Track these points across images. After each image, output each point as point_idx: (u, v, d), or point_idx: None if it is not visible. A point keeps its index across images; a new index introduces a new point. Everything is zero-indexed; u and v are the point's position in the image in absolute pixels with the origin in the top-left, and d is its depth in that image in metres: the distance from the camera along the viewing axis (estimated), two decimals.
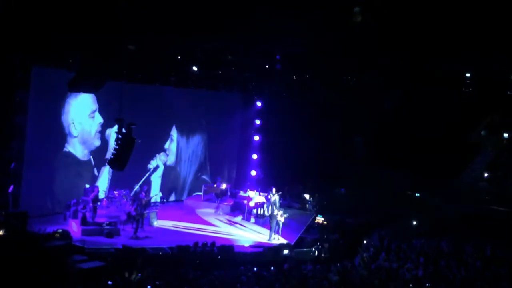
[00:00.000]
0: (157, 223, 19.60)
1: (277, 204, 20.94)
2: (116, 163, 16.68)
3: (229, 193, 23.71)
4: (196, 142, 25.05)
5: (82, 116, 20.23)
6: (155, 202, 20.80)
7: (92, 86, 17.33)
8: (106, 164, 19.77)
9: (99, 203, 18.87)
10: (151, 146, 22.60)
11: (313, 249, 18.91)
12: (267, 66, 22.40)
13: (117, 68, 17.78)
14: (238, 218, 21.59)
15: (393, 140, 24.20)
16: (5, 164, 17.22)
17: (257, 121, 26.65)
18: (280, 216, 18.94)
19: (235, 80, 23.23)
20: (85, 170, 20.73)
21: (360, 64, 21.14)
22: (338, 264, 16.82)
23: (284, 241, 18.69)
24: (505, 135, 24.39)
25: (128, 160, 16.52)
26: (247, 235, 19.50)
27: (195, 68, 20.22)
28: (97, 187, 19.81)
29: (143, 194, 19.60)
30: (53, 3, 13.97)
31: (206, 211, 22.36)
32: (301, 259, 17.69)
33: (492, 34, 15.43)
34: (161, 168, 23.44)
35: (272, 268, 15.98)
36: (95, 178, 20.98)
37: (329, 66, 21.61)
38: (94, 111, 20.60)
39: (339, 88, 23.33)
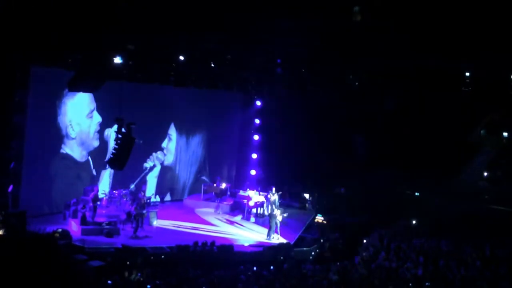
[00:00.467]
0: (156, 222, 19.59)
1: (277, 203, 20.94)
2: (116, 163, 16.69)
3: (228, 193, 23.69)
4: (196, 142, 25.04)
5: (80, 117, 20.11)
6: (154, 202, 20.79)
7: (91, 85, 17.34)
8: (107, 166, 19.80)
9: (98, 203, 18.86)
10: (150, 146, 22.60)
11: (313, 248, 18.92)
12: (267, 66, 22.38)
13: (117, 68, 17.72)
14: (238, 218, 21.60)
15: (392, 139, 24.20)
16: (4, 164, 17.20)
17: (257, 121, 26.68)
18: (279, 215, 18.95)
19: (235, 80, 23.20)
20: (84, 171, 20.63)
21: (360, 64, 21.13)
22: (337, 263, 16.83)
23: (284, 240, 18.70)
24: (505, 134, 24.40)
25: (128, 159, 16.52)
26: (246, 234, 19.50)
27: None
28: (96, 186, 19.79)
29: (142, 193, 19.60)
30: (52, 2, 13.96)
31: (205, 211, 22.35)
32: (301, 259, 17.71)
33: (492, 34, 15.43)
34: (158, 167, 23.42)
35: (271, 267, 15.99)
36: (93, 179, 20.88)
37: (329, 66, 21.59)
38: (92, 111, 20.49)
39: (339, 88, 23.32)
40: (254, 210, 21.59)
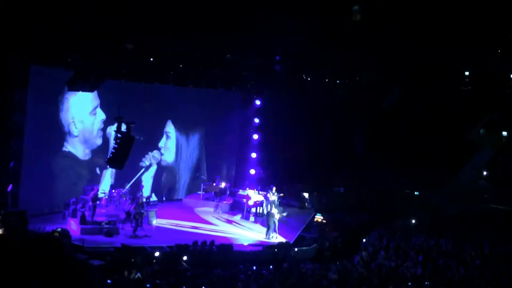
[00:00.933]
0: (156, 222, 19.57)
1: (276, 202, 20.93)
2: (115, 162, 16.67)
3: (228, 192, 23.67)
4: (196, 141, 25.02)
5: (82, 114, 20.02)
6: (154, 201, 20.76)
7: (90, 84, 17.32)
8: (108, 166, 19.76)
9: (98, 202, 18.84)
10: (150, 145, 22.57)
11: (312, 247, 18.92)
12: (266, 65, 22.38)
13: (116, 67, 17.72)
14: (237, 217, 21.58)
15: (392, 138, 24.22)
16: (4, 163, 17.19)
17: (256, 120, 26.63)
18: (277, 214, 18.95)
19: (234, 79, 23.19)
20: (86, 169, 20.59)
21: (360, 63, 21.15)
22: (337, 262, 16.82)
23: (283, 240, 18.70)
24: (504, 133, 24.43)
25: (127, 158, 16.49)
26: (246, 233, 19.49)
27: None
28: (96, 186, 19.74)
29: (140, 193, 19.58)
30: (51, 2, 13.96)
31: (205, 210, 22.31)
32: (300, 258, 17.71)
33: (491, 33, 15.43)
34: (154, 167, 23.36)
35: (271, 266, 15.98)
36: (96, 178, 20.84)
37: (328, 65, 21.60)
38: (96, 108, 20.38)
39: (338, 87, 23.32)
40: (253, 210, 21.58)
